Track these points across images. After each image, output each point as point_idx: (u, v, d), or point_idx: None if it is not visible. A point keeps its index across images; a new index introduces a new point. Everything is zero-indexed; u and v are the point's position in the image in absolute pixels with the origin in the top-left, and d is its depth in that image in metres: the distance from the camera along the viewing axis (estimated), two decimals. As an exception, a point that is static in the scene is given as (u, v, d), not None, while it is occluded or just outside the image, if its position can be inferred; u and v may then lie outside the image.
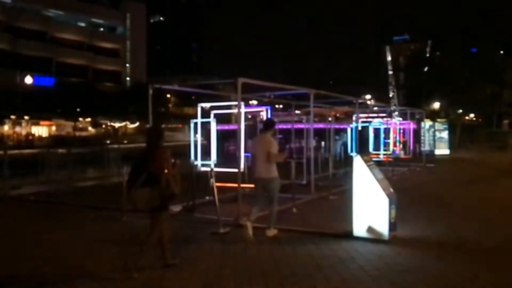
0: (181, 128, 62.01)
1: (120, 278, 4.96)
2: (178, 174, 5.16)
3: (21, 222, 8.43)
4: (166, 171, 4.99)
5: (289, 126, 14.35)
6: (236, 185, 8.05)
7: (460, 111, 41.29)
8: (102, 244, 6.58)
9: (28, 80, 49.71)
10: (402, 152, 21.49)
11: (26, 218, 8.72)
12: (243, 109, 8.93)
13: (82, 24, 65.94)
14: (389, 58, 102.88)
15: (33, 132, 51.76)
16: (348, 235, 6.57)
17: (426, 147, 23.46)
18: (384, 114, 22.95)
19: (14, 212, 9.43)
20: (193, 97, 50.01)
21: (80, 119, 57.12)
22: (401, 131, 22.18)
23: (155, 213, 5.13)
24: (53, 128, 54.99)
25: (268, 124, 7.27)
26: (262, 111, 11.47)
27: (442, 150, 25.72)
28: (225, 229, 7.01)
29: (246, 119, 11.25)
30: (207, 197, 9.05)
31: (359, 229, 6.51)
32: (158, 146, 5.19)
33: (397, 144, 21.77)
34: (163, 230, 5.22)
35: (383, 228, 6.33)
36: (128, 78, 69.78)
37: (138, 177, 5.00)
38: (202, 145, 10.74)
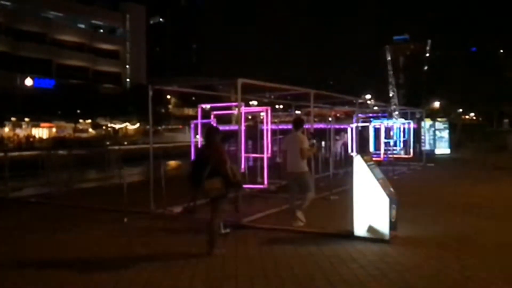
0: (181, 129, 62.07)
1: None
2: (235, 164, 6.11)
3: (23, 224, 8.42)
4: (226, 164, 5.67)
5: (289, 127, 14.35)
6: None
7: (460, 110, 41.33)
8: (106, 243, 6.59)
9: (28, 82, 49.76)
10: (402, 151, 21.50)
11: (28, 220, 8.72)
12: (243, 110, 8.94)
13: (82, 26, 66.03)
14: (389, 58, 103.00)
15: (33, 134, 51.76)
16: (349, 235, 6.57)
17: (426, 147, 23.45)
18: (384, 114, 22.97)
19: (15, 214, 9.42)
20: (193, 98, 50.14)
21: (81, 120, 57.19)
22: (401, 130, 22.17)
23: (217, 201, 5.79)
24: (54, 130, 55.01)
25: (298, 122, 7.75)
26: (262, 111, 11.48)
27: (443, 150, 25.71)
28: (225, 229, 7.01)
29: (246, 119, 11.26)
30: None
31: (359, 229, 6.51)
32: (216, 142, 5.89)
33: (397, 143, 21.78)
34: (221, 215, 5.95)
35: (384, 228, 6.34)
36: (128, 80, 69.88)
37: (203, 170, 5.62)
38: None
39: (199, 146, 5.96)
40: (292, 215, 7.37)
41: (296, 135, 7.53)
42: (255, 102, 23.25)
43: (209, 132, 6.16)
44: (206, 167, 5.65)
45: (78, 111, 52.71)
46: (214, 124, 9.93)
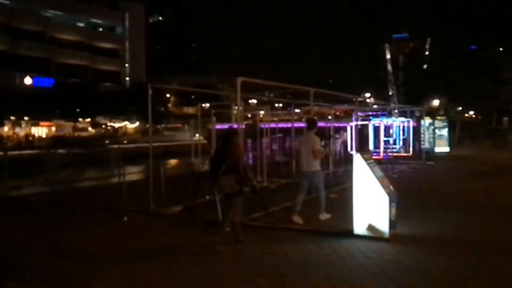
0: (181, 128, 62.07)
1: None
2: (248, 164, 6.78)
3: (22, 223, 8.42)
4: (240, 162, 6.17)
5: (289, 125, 14.33)
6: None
7: (460, 108, 41.32)
8: (105, 242, 6.58)
9: (28, 81, 49.68)
10: (402, 150, 21.51)
11: (27, 219, 8.71)
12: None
13: (81, 25, 65.95)
14: (388, 56, 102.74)
15: (33, 133, 51.76)
16: (349, 233, 6.57)
17: (426, 145, 23.45)
18: (384, 112, 22.96)
19: (15, 213, 9.42)
20: (192, 97, 50.11)
21: (80, 119, 57.12)
22: (401, 129, 22.18)
23: (233, 197, 6.15)
24: (53, 128, 54.98)
25: (311, 123, 8.02)
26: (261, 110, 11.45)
27: (442, 148, 25.70)
28: (225, 228, 7.01)
29: (245, 118, 11.26)
30: (207, 197, 9.06)
31: (359, 227, 6.52)
32: (232, 143, 6.35)
33: (397, 142, 21.79)
34: (236, 211, 6.24)
35: (383, 226, 6.34)
36: (127, 78, 69.80)
37: (220, 167, 6.05)
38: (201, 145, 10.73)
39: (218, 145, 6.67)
40: (293, 212, 7.57)
41: (309, 136, 7.76)
42: (254, 101, 23.22)
43: (229, 132, 6.80)
44: (223, 164, 6.06)
45: (78, 109, 52.63)
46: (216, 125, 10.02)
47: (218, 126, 11.40)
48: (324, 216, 7.71)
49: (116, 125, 61.31)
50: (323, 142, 8.15)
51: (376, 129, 20.28)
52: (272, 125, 16.83)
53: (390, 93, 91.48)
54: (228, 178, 6.04)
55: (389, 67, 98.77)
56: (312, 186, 7.77)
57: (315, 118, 8.97)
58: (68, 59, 60.95)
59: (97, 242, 6.70)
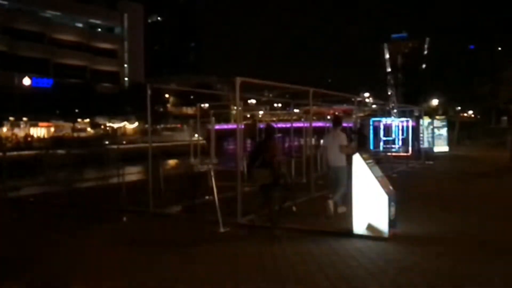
0: (180, 128, 62.07)
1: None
2: (284, 160, 7.33)
3: (21, 224, 8.41)
4: (276, 157, 6.59)
5: (288, 125, 14.33)
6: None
7: (459, 108, 41.37)
8: (105, 242, 6.58)
9: (26, 81, 49.63)
10: (401, 149, 21.51)
11: (25, 220, 8.70)
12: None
13: (80, 25, 65.94)
14: (387, 56, 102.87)
15: (31, 134, 51.71)
16: (348, 233, 6.58)
17: (425, 145, 23.45)
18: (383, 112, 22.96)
19: (14, 215, 9.40)
20: (191, 97, 50.12)
21: (79, 120, 57.11)
22: (400, 128, 22.18)
23: (271, 189, 6.55)
24: (52, 129, 54.94)
25: (337, 121, 8.53)
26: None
27: (441, 147, 25.71)
28: (225, 228, 7.02)
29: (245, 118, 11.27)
30: (207, 197, 9.06)
31: (358, 227, 6.52)
32: (272, 139, 6.90)
33: (396, 141, 21.80)
34: (275, 201, 6.67)
35: (383, 226, 6.34)
36: (126, 79, 69.80)
37: (255, 161, 6.55)
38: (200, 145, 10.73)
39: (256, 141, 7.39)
40: (337, 205, 8.03)
41: (335, 133, 8.25)
42: (254, 101, 23.23)
43: (268, 130, 7.20)
44: (258, 159, 6.55)
45: (77, 110, 52.65)
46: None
47: (217, 127, 11.39)
48: (341, 209, 7.80)
49: (115, 125, 61.31)
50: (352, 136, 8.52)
51: (376, 128, 20.29)
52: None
53: (389, 93, 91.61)
54: (261, 171, 6.48)
55: (388, 67, 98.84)
56: (339, 180, 8.04)
57: (341, 116, 9.25)
58: (67, 60, 60.93)
59: (94, 243, 6.69)
